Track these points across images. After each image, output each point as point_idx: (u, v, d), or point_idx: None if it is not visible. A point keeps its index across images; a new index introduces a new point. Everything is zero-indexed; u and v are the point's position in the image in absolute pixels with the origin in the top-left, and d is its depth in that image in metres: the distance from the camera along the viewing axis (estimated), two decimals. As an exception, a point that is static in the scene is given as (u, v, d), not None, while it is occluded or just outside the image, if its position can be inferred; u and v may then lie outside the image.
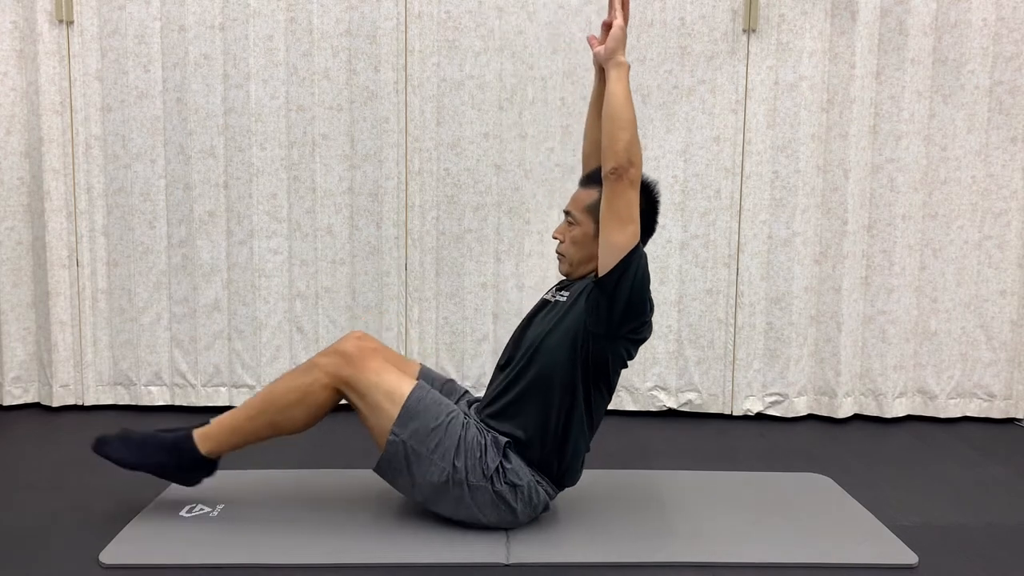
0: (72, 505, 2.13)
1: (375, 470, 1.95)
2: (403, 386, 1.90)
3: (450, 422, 1.89)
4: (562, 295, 2.00)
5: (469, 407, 2.08)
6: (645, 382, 3.12)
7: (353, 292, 3.08)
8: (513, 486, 1.89)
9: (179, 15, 2.93)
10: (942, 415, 3.12)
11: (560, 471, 1.95)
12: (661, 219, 3.01)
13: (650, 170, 3.02)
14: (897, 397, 3.11)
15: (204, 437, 1.95)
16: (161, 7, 2.94)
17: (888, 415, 3.10)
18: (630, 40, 2.97)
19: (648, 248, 3.05)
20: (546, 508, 1.99)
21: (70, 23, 2.93)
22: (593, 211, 1.94)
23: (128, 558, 1.81)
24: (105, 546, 1.85)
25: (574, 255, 2.00)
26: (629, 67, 1.90)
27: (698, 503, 2.17)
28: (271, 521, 2.00)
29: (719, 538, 1.93)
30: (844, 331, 3.04)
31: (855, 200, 3.00)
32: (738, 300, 3.07)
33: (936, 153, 3.02)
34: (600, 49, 1.93)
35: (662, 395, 3.13)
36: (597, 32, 2.95)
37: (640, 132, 2.98)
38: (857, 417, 3.13)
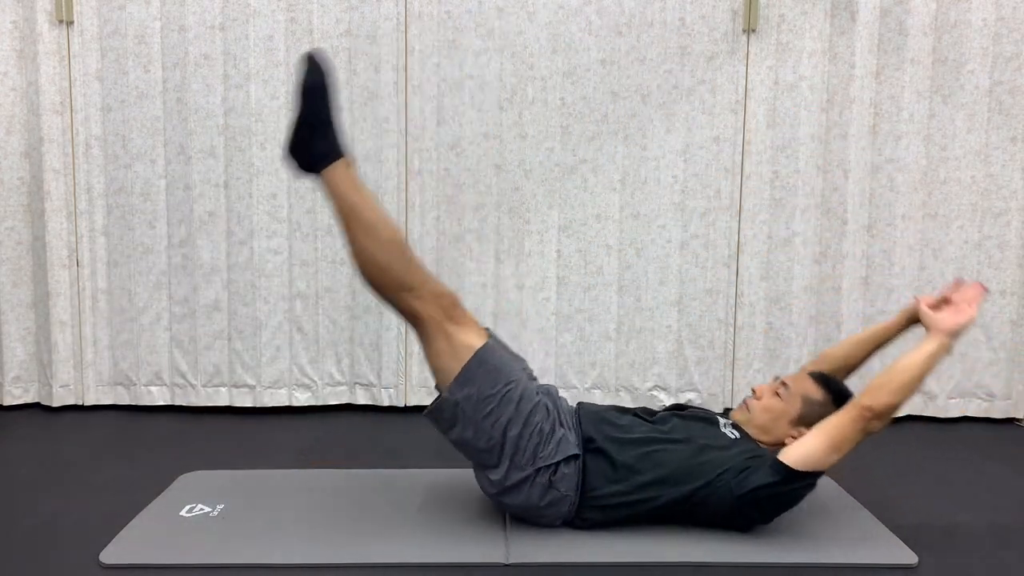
0: (72, 505, 2.13)
1: (425, 415, 1.97)
2: (471, 342, 1.90)
3: (506, 393, 1.88)
4: (733, 432, 2.00)
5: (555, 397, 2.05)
6: (645, 382, 3.12)
7: (353, 292, 3.08)
8: (551, 486, 1.89)
9: (179, 15, 2.93)
10: (942, 415, 3.12)
11: (592, 519, 1.94)
12: (661, 219, 3.04)
13: (650, 170, 3.04)
14: (897, 397, 3.10)
15: (336, 171, 1.86)
16: (161, 7, 2.94)
17: (888, 415, 3.09)
18: (630, 40, 2.97)
19: (648, 247, 3.08)
20: (556, 524, 1.96)
21: (70, 23, 2.93)
22: (807, 404, 1.98)
23: (128, 558, 1.81)
24: (105, 546, 1.85)
25: (760, 419, 2.02)
26: (949, 352, 1.89)
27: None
28: (271, 521, 2.00)
29: (719, 538, 1.93)
30: (844, 331, 3.04)
31: (855, 200, 3.00)
32: (738, 300, 3.07)
33: (936, 153, 3.02)
34: (940, 317, 1.89)
35: (662, 395, 3.13)
36: (597, 27, 2.97)
37: (640, 132, 3.00)
38: (857, 417, 3.13)
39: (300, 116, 1.87)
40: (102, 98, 2.98)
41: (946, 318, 1.89)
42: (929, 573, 1.82)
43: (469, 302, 3.05)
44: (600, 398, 3.10)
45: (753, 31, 2.96)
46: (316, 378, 3.12)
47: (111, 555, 1.82)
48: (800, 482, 1.86)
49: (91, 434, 2.81)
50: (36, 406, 3.12)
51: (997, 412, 3.12)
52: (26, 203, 3.04)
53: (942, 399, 3.12)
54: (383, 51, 2.96)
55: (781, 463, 1.85)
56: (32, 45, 2.92)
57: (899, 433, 2.99)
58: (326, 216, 3.04)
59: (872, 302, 3.07)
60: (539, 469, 1.88)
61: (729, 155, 3.01)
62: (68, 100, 2.96)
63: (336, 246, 3.05)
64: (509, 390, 1.89)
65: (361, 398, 3.15)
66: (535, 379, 2.10)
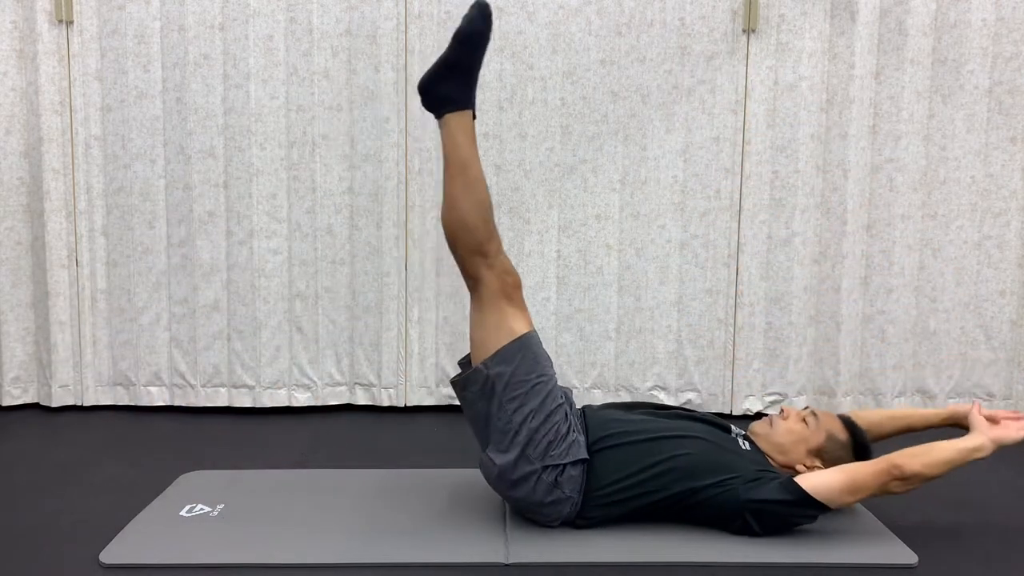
0: (72, 505, 2.13)
1: (451, 381, 1.98)
2: (518, 326, 1.92)
3: (537, 384, 1.89)
4: (744, 443, 2.02)
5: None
6: (645, 382, 3.12)
7: (353, 292, 3.08)
8: (556, 486, 1.89)
9: (179, 15, 2.93)
10: (942, 415, 3.12)
11: (595, 516, 1.95)
12: (661, 219, 3.05)
13: (650, 170, 3.04)
14: (896, 397, 3.11)
15: (459, 120, 1.94)
16: (161, 7, 2.94)
17: (888, 415, 3.10)
18: (630, 40, 2.97)
19: (648, 247, 3.08)
20: (555, 524, 1.96)
21: (70, 23, 2.92)
22: (829, 440, 2.02)
23: (128, 558, 1.81)
24: (105, 546, 1.85)
25: (780, 438, 2.04)
26: (985, 456, 1.92)
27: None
28: (271, 521, 2.00)
29: (719, 538, 1.93)
30: (843, 331, 3.04)
31: (854, 200, 3.00)
32: (738, 300, 3.07)
33: (935, 153, 3.02)
34: (988, 425, 1.95)
35: (662, 395, 3.13)
36: (597, 27, 2.96)
37: (640, 132, 3.01)
38: (857, 417, 3.13)
39: (447, 57, 1.92)
40: (102, 98, 2.98)
41: (995, 427, 1.95)
42: (929, 573, 1.82)
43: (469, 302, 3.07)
44: (600, 398, 3.10)
45: (753, 31, 2.96)
46: (316, 378, 3.11)
47: (111, 555, 1.82)
48: (808, 508, 1.88)
49: (91, 434, 2.81)
50: (35, 406, 3.11)
51: (997, 412, 3.12)
52: (25, 203, 3.04)
53: (941, 399, 3.12)
54: (383, 51, 2.96)
55: (796, 484, 1.87)
56: (32, 45, 2.92)
57: (899, 433, 2.99)
58: (326, 216, 3.04)
59: (872, 302, 3.07)
60: (547, 467, 1.88)
61: (729, 155, 3.01)
62: (68, 100, 2.96)
63: (336, 246, 3.05)
64: (541, 382, 1.90)
65: (361, 398, 3.15)
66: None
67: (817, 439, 2.02)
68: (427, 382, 3.11)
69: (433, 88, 1.95)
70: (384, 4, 2.95)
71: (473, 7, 1.92)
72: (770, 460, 2.00)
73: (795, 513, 1.89)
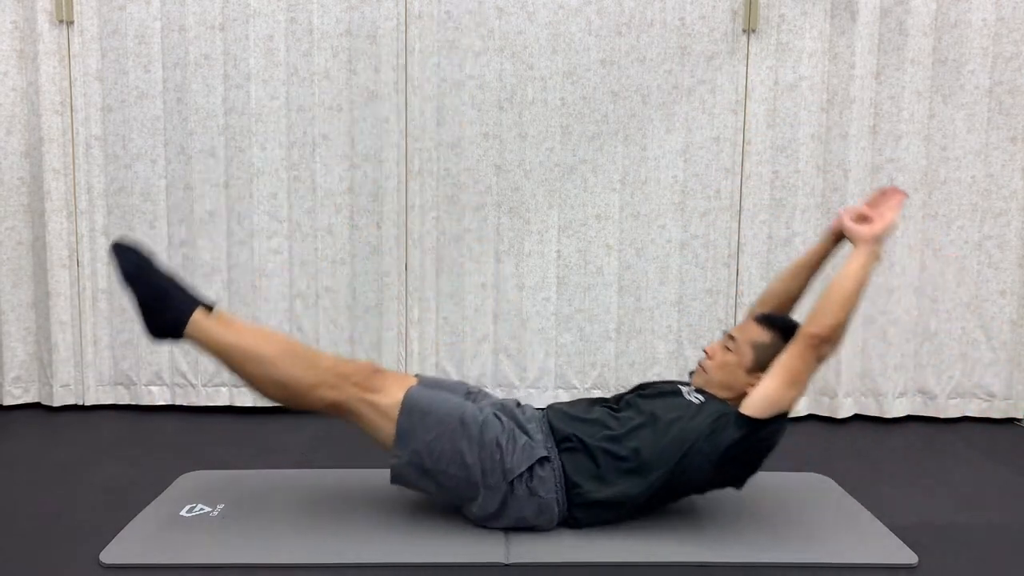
0: (72, 505, 2.13)
1: (392, 483, 1.96)
2: (393, 397, 1.90)
3: (444, 429, 1.87)
4: (696, 396, 1.98)
5: (517, 406, 2.05)
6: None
7: (353, 292, 3.08)
8: (532, 493, 1.89)
9: (179, 15, 2.93)
10: (942, 415, 3.12)
11: (584, 519, 1.94)
12: (661, 219, 3.05)
13: (650, 170, 3.04)
14: (897, 397, 3.11)
15: (196, 326, 1.89)
16: (161, 7, 2.94)
17: (888, 415, 3.10)
18: (630, 40, 2.98)
19: (648, 247, 3.08)
20: (551, 528, 1.96)
21: (70, 23, 2.93)
22: (758, 349, 1.97)
23: (128, 558, 1.81)
24: (105, 546, 1.85)
25: (718, 377, 2.01)
26: (879, 260, 1.89)
27: (698, 503, 2.16)
28: (271, 521, 2.00)
29: (719, 538, 1.93)
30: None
31: (855, 200, 3.00)
32: (738, 300, 3.07)
33: (936, 153, 3.02)
34: (863, 229, 1.90)
35: (662, 395, 3.13)
36: (597, 27, 2.97)
37: (640, 132, 3.00)
38: (857, 417, 3.13)
39: (135, 300, 1.90)
40: (102, 98, 2.98)
41: (870, 226, 1.91)
42: (929, 573, 1.82)
43: (469, 302, 3.08)
44: (600, 398, 3.10)
45: (753, 31, 2.96)
46: (316, 378, 3.11)
47: (111, 555, 1.82)
48: (767, 428, 1.86)
49: (91, 434, 2.81)
50: (36, 406, 3.12)
51: (997, 412, 3.12)
52: (26, 203, 3.04)
53: (942, 399, 3.12)
54: (383, 51, 2.97)
55: (744, 416, 1.86)
56: (32, 45, 2.92)
57: (899, 433, 2.99)
58: (326, 216, 3.04)
59: (872, 302, 3.07)
60: (512, 481, 1.87)
61: (729, 155, 3.01)
62: (68, 100, 2.96)
63: (336, 246, 3.05)
64: (445, 423, 1.88)
65: (361, 398, 3.14)
66: (488, 395, 2.11)
67: (747, 357, 1.98)
68: (427, 382, 3.11)
69: (154, 330, 1.92)
70: (384, 4, 2.95)
71: (112, 250, 1.91)
72: (728, 403, 1.96)
73: (760, 439, 1.87)
